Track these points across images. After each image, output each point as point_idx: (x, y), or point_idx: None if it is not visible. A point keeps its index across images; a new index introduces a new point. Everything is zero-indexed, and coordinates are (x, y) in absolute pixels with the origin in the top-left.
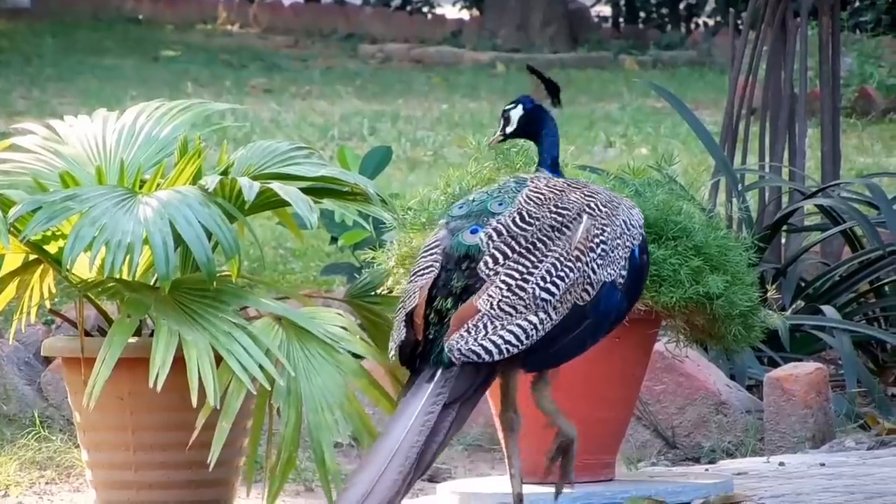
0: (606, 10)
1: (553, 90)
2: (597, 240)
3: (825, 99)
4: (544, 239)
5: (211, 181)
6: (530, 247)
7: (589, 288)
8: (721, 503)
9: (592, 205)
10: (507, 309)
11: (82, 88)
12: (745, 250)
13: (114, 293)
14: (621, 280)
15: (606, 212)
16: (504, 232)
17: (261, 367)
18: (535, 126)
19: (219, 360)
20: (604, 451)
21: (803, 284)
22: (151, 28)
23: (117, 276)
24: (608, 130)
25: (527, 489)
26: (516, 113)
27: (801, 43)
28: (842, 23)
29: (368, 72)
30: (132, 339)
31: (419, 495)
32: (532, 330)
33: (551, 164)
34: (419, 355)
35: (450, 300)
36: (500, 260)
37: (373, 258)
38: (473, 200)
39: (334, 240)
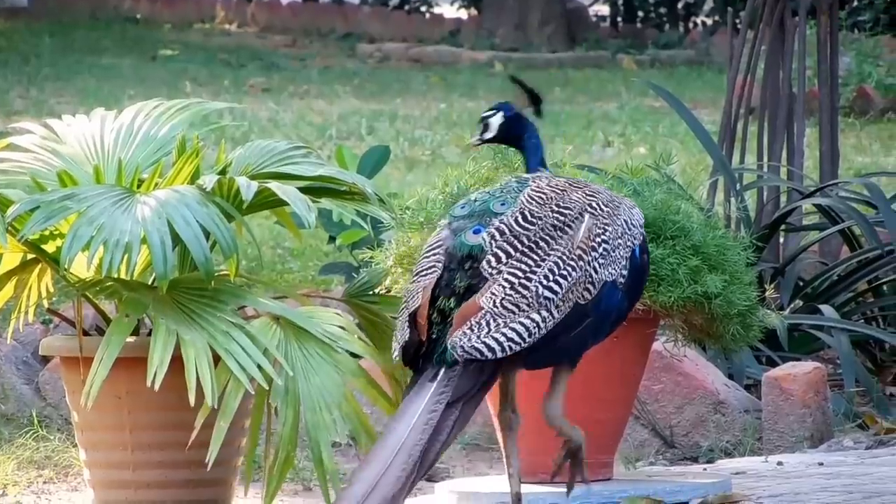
0: (604, 10)
1: (535, 100)
2: (598, 239)
3: (823, 98)
4: (547, 238)
5: (209, 180)
6: (533, 246)
7: (590, 287)
8: (719, 502)
9: (594, 204)
10: (509, 307)
11: (80, 88)
12: (743, 249)
13: (112, 292)
14: (622, 280)
15: (608, 211)
16: (507, 231)
17: (259, 366)
18: (516, 132)
19: (217, 359)
20: (602, 450)
21: (801, 284)
22: (149, 27)
23: (115, 276)
24: (606, 130)
25: (525, 489)
26: (496, 120)
27: (800, 42)
28: (840, 22)
29: (366, 71)
30: (130, 339)
31: (417, 494)
32: (534, 328)
33: (538, 168)
34: (422, 355)
35: (453, 300)
36: (503, 259)
37: (371, 258)
38: (475, 200)
39: (332, 239)
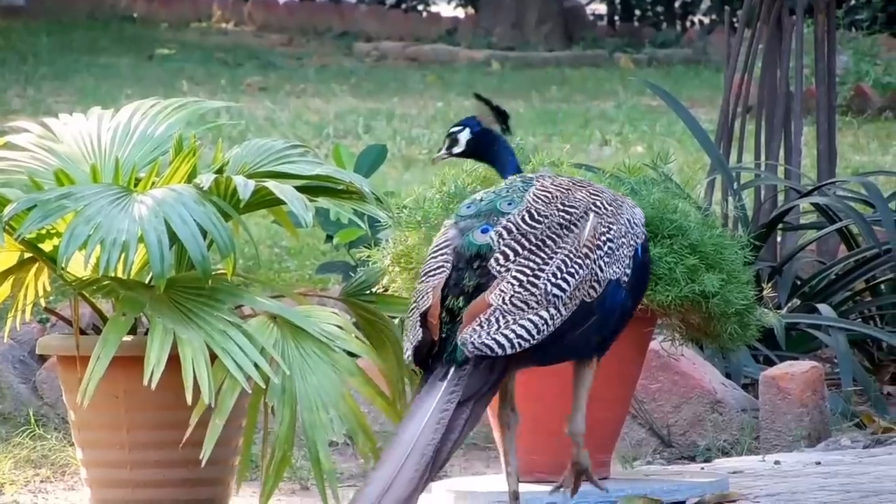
0: (602, 8)
1: (502, 117)
2: (603, 238)
3: (821, 97)
4: (553, 236)
5: (206, 179)
6: (540, 244)
7: (596, 285)
8: (716, 502)
9: (598, 203)
10: (518, 304)
11: (78, 87)
12: (740, 248)
13: (109, 291)
14: (625, 278)
15: (612, 210)
16: (514, 230)
17: (256, 365)
18: (484, 148)
19: (213, 358)
20: (599, 449)
21: (799, 283)
22: (146, 26)
23: (112, 275)
24: (604, 129)
25: (522, 488)
26: (464, 135)
27: (797, 41)
28: (837, 21)
29: (363, 70)
30: (127, 338)
31: None
32: (543, 325)
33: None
34: (432, 354)
35: (461, 299)
36: (511, 257)
37: (368, 257)
38: (481, 200)
39: (329, 238)
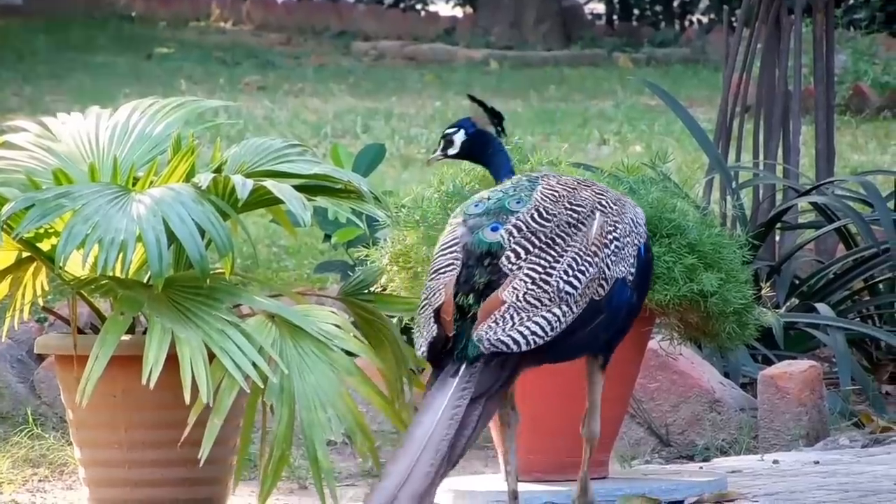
0: (600, 8)
1: (496, 118)
2: (610, 236)
3: (819, 96)
4: (563, 235)
5: (204, 179)
6: (550, 242)
7: (604, 283)
8: (715, 501)
9: (603, 202)
10: (532, 301)
11: (75, 86)
12: (739, 248)
13: (107, 291)
14: (631, 277)
15: (617, 209)
16: (524, 228)
17: (254, 364)
18: (479, 149)
19: (212, 357)
20: (598, 448)
21: (797, 282)
22: (145, 25)
23: (110, 274)
24: (602, 128)
25: (520, 487)
26: (458, 137)
27: (796, 40)
28: (836, 20)
29: (362, 69)
30: (125, 337)
31: None
32: (556, 322)
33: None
34: (444, 351)
35: (472, 296)
36: (522, 255)
37: (366, 256)
38: (489, 199)
39: (328, 237)
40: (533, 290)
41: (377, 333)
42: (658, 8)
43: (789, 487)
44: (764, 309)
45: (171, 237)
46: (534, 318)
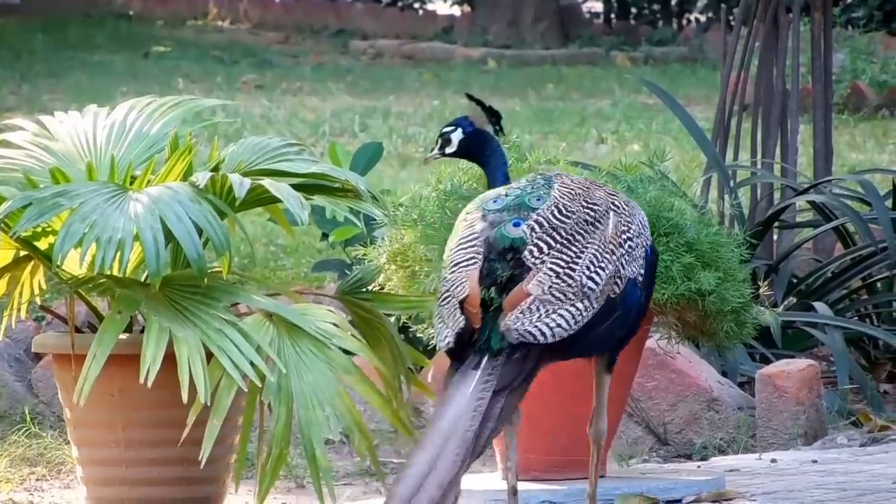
0: (598, 6)
1: (494, 117)
2: (623, 236)
3: (817, 95)
4: (582, 232)
5: (202, 177)
6: (570, 238)
7: (619, 281)
8: (713, 500)
9: (616, 203)
10: (557, 294)
11: (73, 84)
12: (737, 247)
13: (104, 289)
14: (640, 277)
15: (628, 210)
16: (545, 223)
17: (252, 363)
18: (476, 148)
19: (209, 356)
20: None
21: (795, 281)
22: (142, 24)
23: (108, 273)
24: (600, 127)
25: (520, 486)
26: (456, 136)
27: (794, 39)
28: (834, 19)
29: (359, 68)
30: (123, 336)
31: None
32: (579, 316)
33: (503, 183)
34: (466, 343)
35: (493, 290)
36: (545, 249)
37: (364, 255)
38: (507, 195)
39: (325, 236)
40: (558, 283)
41: (375, 332)
42: (656, 6)
43: (787, 486)
44: (762, 308)
45: (169, 236)
46: (559, 311)
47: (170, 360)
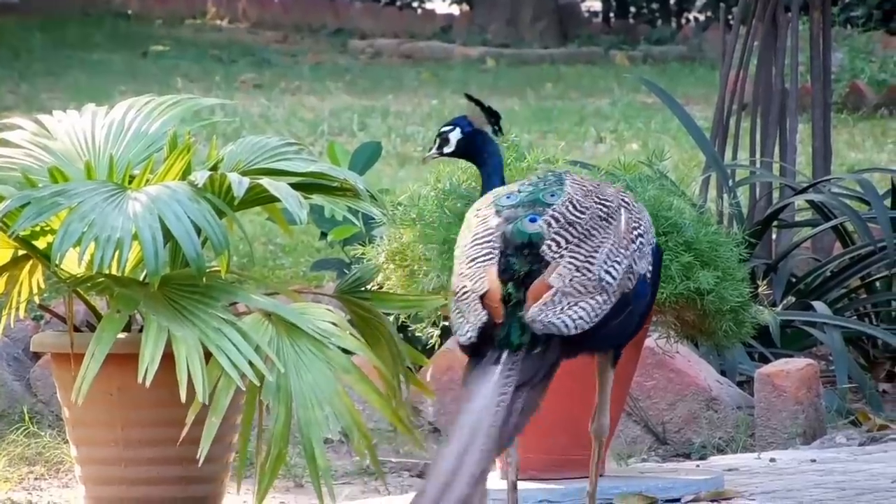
0: (597, 6)
1: (493, 117)
2: (635, 233)
3: (816, 94)
4: (597, 227)
5: (200, 177)
6: (586, 233)
7: (631, 276)
8: (712, 499)
9: (626, 199)
10: (578, 287)
11: (71, 83)
12: (735, 246)
13: (103, 289)
14: (649, 275)
15: (638, 208)
16: (561, 219)
17: (250, 363)
18: (475, 149)
19: (208, 356)
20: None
21: (794, 280)
22: (140, 23)
23: (106, 272)
24: (599, 126)
25: (518, 485)
26: (455, 135)
27: (793, 38)
28: (833, 18)
29: (358, 67)
30: (121, 335)
31: (409, 491)
32: (599, 309)
33: (500, 183)
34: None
35: (511, 284)
36: (563, 244)
37: (362, 254)
38: (520, 192)
39: (324, 235)
40: (578, 276)
41: (374, 331)
42: (655, 5)
43: (786, 485)
44: (760, 307)
45: (168, 235)
46: (580, 304)
47: (168, 359)
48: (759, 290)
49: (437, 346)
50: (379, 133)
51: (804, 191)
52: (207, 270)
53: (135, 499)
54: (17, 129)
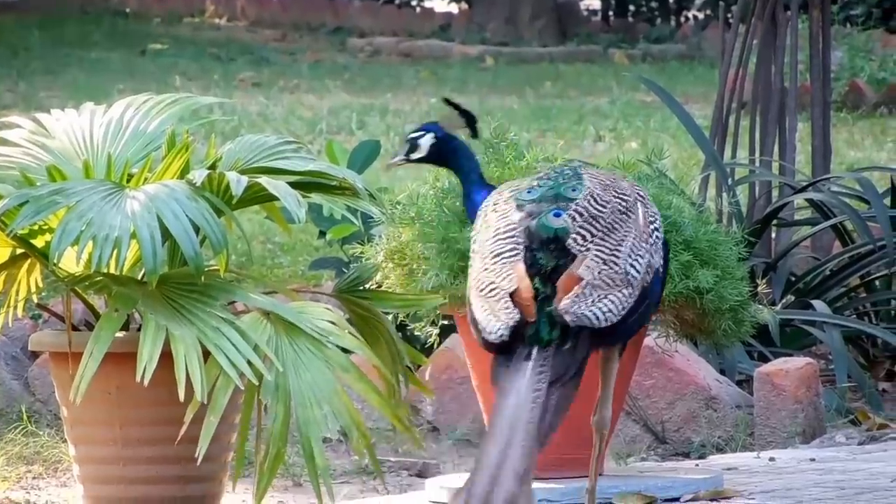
0: (596, 4)
1: (470, 121)
2: (651, 227)
3: (815, 93)
4: (618, 221)
5: (199, 175)
6: (608, 227)
7: (649, 270)
8: (711, 498)
9: (641, 194)
10: (606, 280)
11: (69, 82)
12: (735, 245)
13: (101, 287)
14: (661, 269)
15: (651, 202)
16: (584, 213)
17: (249, 362)
18: (447, 154)
19: (206, 354)
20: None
21: (793, 279)
22: (139, 21)
23: (105, 271)
24: (598, 124)
25: None
26: (426, 140)
27: (792, 36)
28: (832, 16)
29: (357, 65)
30: (119, 334)
31: (408, 490)
32: (625, 301)
33: (479, 183)
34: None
35: (537, 279)
36: (588, 238)
37: (361, 253)
38: (540, 186)
39: (322, 234)
40: (606, 269)
41: (372, 330)
42: (654, 4)
43: (785, 485)
44: (760, 306)
45: (166, 234)
46: (609, 297)
47: (167, 358)
48: (759, 288)
49: (435, 345)
50: (377, 131)
51: (804, 189)
52: (206, 269)
53: (133, 498)
54: (15, 127)
